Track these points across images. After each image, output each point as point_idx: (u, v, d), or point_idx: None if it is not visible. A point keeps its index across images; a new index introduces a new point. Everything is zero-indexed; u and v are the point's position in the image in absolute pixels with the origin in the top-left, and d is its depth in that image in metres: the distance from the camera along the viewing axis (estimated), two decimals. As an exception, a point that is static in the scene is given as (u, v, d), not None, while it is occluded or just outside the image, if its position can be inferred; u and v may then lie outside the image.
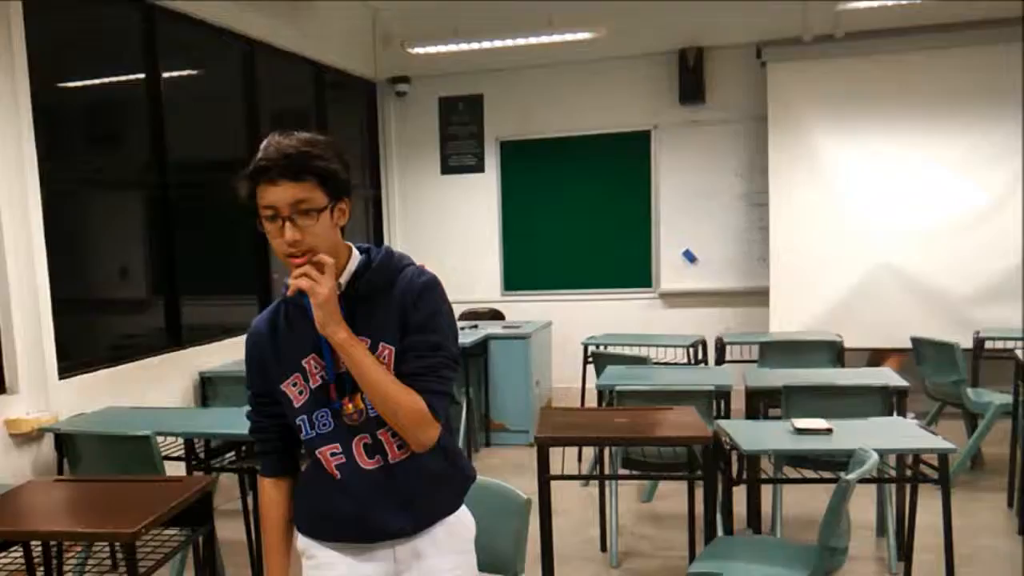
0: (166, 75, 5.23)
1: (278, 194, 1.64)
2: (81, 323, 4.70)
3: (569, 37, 6.80)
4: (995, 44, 6.35)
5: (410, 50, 7.08)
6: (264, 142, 1.68)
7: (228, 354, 5.42)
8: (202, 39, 5.66)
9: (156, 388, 4.86)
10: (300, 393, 1.79)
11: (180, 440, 3.86)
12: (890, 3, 6.22)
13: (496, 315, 7.56)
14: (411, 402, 1.73)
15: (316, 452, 1.80)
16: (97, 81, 5.03)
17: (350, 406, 1.76)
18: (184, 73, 5.65)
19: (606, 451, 4.08)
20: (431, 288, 1.79)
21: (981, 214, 6.41)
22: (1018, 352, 4.62)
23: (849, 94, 6.71)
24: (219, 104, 6.11)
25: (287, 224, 1.65)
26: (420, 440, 1.77)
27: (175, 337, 5.24)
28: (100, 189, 4.95)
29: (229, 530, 4.19)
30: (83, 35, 4.81)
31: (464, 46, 6.96)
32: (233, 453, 4.00)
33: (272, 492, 1.91)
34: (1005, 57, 6.33)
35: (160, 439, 3.57)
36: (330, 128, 7.22)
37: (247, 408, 1.92)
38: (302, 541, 1.88)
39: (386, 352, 1.75)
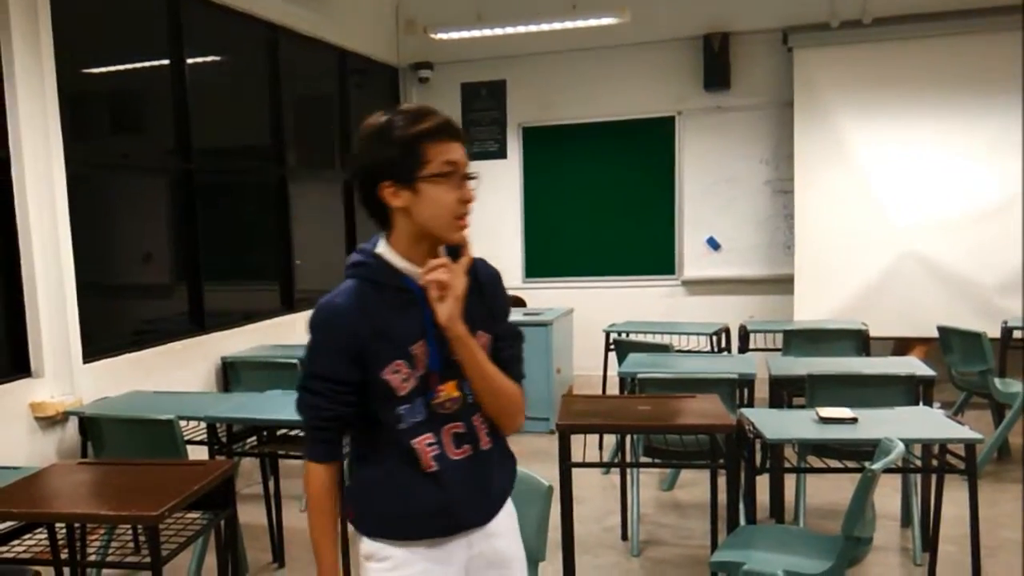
0: (190, 61, 5.25)
1: (460, 152, 1.68)
2: (105, 307, 4.74)
3: (593, 23, 6.75)
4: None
5: (432, 35, 7.06)
6: (414, 110, 1.68)
7: (250, 339, 5.45)
8: (226, 24, 5.67)
9: (179, 373, 4.90)
10: (404, 381, 1.71)
11: (202, 424, 3.88)
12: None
13: (518, 302, 7.54)
14: (515, 390, 1.80)
15: (412, 443, 1.72)
16: (122, 67, 5.06)
17: (443, 393, 1.73)
18: (208, 59, 5.67)
19: (627, 439, 4.06)
20: (501, 277, 1.88)
21: (1009, 202, 6.31)
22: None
23: (876, 80, 6.62)
24: (243, 89, 6.13)
25: (468, 183, 1.69)
26: (518, 425, 1.83)
27: (198, 322, 5.28)
28: (125, 174, 4.98)
29: (250, 514, 4.21)
30: (109, 20, 4.83)
31: (487, 32, 6.92)
32: (255, 438, 4.02)
33: (326, 478, 1.77)
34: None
35: (183, 423, 3.59)
36: (352, 114, 7.22)
37: (309, 395, 1.74)
38: (371, 544, 1.77)
39: (483, 340, 1.76)
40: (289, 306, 6.26)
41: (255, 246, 6.19)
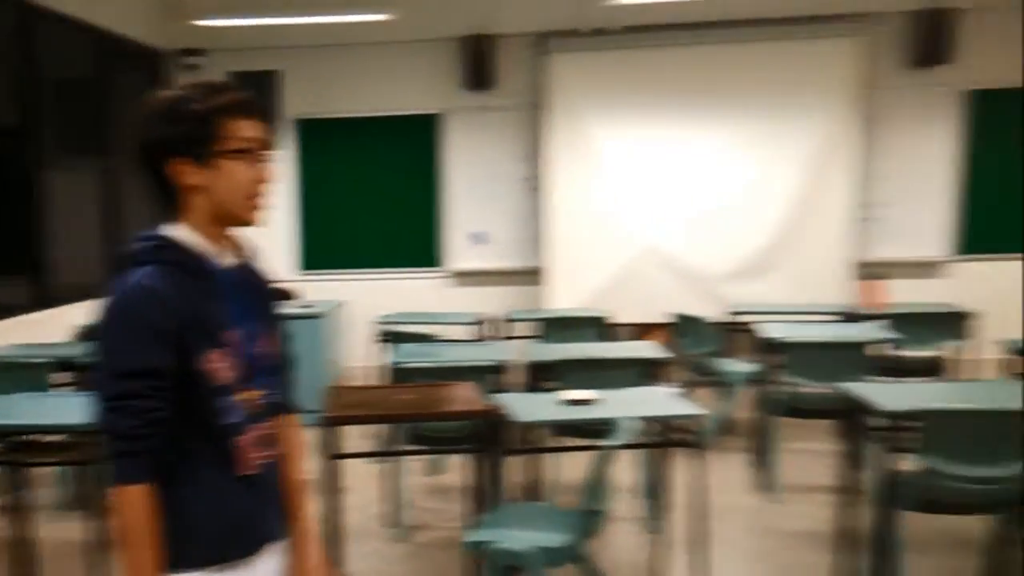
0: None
1: (258, 130, 1.59)
2: None
3: (362, 18, 6.80)
4: (752, 42, 6.97)
5: (198, 22, 6.83)
6: (210, 83, 1.59)
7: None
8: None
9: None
10: (223, 371, 1.58)
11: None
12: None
13: (293, 295, 7.47)
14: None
15: (234, 440, 1.60)
16: None
17: (245, 393, 1.63)
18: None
19: (394, 427, 4.20)
20: None
21: (736, 199, 7.05)
22: (758, 326, 5.11)
23: (625, 85, 7.13)
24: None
25: (265, 162, 1.61)
26: None
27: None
28: None
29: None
30: None
31: (254, 21, 6.80)
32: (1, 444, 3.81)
33: (150, 501, 1.52)
34: (761, 54, 6.97)
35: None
36: (114, 100, 6.85)
37: (131, 400, 1.50)
38: None
39: (275, 339, 1.75)
40: (41, 302, 5.88)
41: (1, 236, 5.76)
